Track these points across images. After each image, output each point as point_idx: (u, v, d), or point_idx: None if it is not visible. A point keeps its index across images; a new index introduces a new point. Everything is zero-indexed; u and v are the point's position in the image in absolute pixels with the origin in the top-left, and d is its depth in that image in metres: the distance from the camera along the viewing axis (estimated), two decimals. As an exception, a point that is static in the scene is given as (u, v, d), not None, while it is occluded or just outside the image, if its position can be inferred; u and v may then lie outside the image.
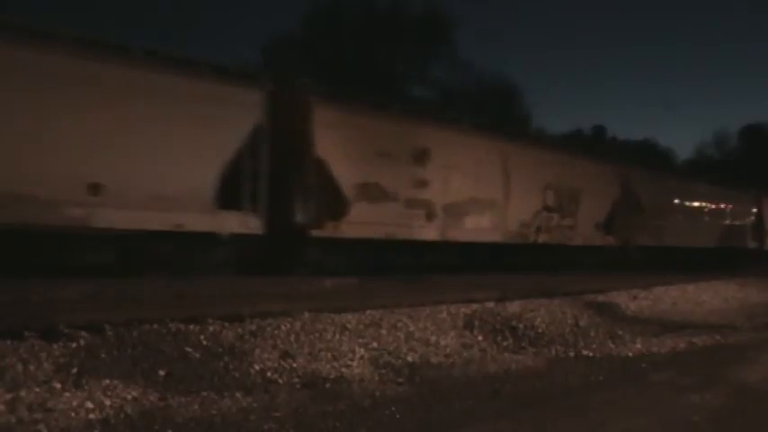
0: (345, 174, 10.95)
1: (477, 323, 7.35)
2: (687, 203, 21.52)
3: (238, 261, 9.91)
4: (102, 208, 8.41)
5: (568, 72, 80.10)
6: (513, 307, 8.26)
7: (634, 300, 10.82)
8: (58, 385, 4.10)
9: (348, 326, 6.34)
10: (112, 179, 8.48)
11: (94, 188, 8.35)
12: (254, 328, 5.77)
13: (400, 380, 5.24)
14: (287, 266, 10.39)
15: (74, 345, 4.76)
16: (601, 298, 10.28)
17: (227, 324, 5.73)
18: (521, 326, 7.58)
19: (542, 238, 15.02)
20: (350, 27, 29.69)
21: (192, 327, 5.52)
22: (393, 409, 4.35)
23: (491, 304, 8.16)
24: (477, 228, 13.35)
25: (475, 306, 7.94)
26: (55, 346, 4.67)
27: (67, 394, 4.00)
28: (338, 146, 10.84)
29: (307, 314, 6.39)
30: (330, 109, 10.85)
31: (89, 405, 3.91)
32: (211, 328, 5.58)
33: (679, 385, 5.38)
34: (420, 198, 12.20)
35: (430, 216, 12.32)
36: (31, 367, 4.31)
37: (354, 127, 11.18)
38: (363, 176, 11.22)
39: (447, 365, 5.90)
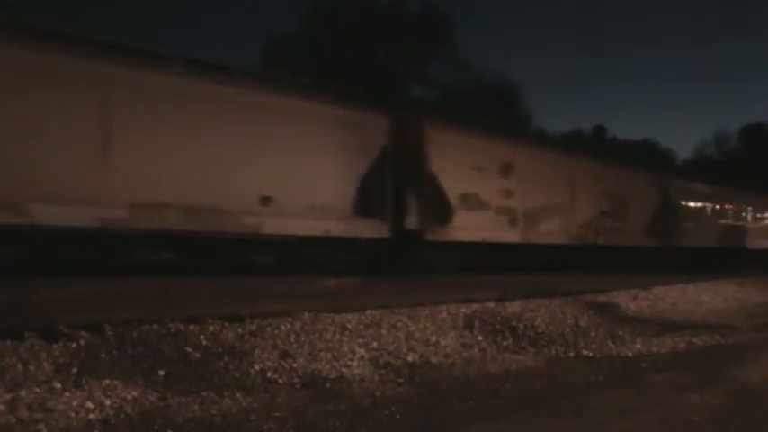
0: (451, 186, 12.73)
1: (477, 323, 7.35)
2: (713, 207, 23.23)
3: (368, 262, 11.51)
4: (271, 217, 9.99)
5: (568, 72, 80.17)
6: (513, 307, 8.26)
7: (634, 300, 10.82)
8: (58, 385, 4.10)
9: (348, 326, 6.34)
10: (279, 192, 10.09)
11: (266, 200, 9.96)
12: (254, 328, 5.77)
13: (400, 380, 5.24)
14: (405, 266, 12.00)
15: (74, 345, 4.75)
16: (601, 298, 10.29)
17: (227, 324, 5.72)
18: (521, 326, 7.58)
19: (599, 240, 16.94)
20: (350, 27, 29.68)
21: (191, 327, 5.51)
22: (393, 409, 4.35)
23: (491, 304, 8.17)
24: (549, 231, 15.17)
25: (475, 306, 7.94)
26: (55, 346, 4.67)
27: (67, 394, 4.00)
28: (446, 162, 12.63)
29: (307, 314, 6.39)
30: (439, 130, 12.69)
31: (89, 405, 3.91)
32: (211, 328, 5.58)
33: (679, 385, 5.38)
34: (506, 206, 14.00)
35: (513, 222, 14.16)
36: (31, 367, 4.31)
37: (457, 145, 12.98)
38: (464, 188, 13.02)
39: (447, 365, 5.90)
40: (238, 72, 10.15)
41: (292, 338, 5.73)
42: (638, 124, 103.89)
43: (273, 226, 9.98)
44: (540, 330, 7.64)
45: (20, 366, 4.28)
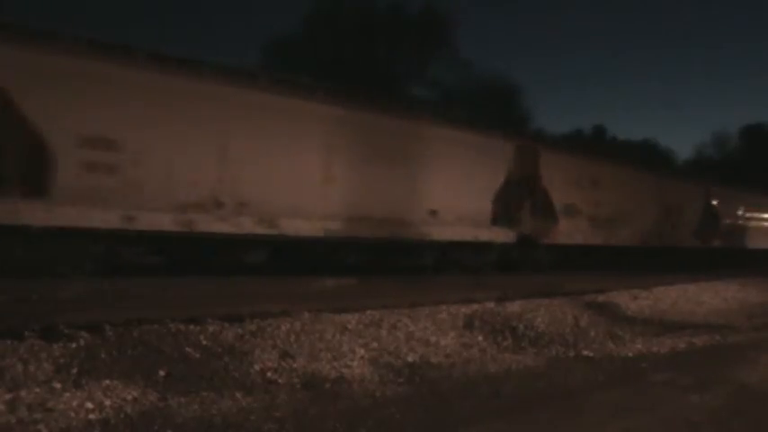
0: (557, 198, 15.27)
1: (477, 323, 7.35)
2: (747, 211, 25.40)
3: (498, 262, 13.87)
4: (436, 226, 12.31)
5: (568, 72, 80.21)
6: (513, 307, 8.26)
7: (634, 300, 10.82)
8: (58, 385, 4.11)
9: (348, 326, 6.34)
10: (442, 207, 12.44)
11: (433, 213, 12.34)
12: (254, 328, 5.78)
13: (400, 380, 5.24)
14: (524, 265, 14.33)
15: (74, 345, 4.76)
16: (601, 298, 10.29)
17: (227, 324, 5.73)
18: (521, 326, 7.58)
19: (661, 242, 19.73)
20: (350, 27, 29.68)
21: (191, 327, 5.52)
22: (393, 409, 4.35)
23: (491, 304, 8.17)
24: (625, 235, 17.86)
25: (475, 306, 7.94)
26: (55, 346, 4.68)
27: (67, 394, 4.00)
28: (554, 178, 15.19)
29: (307, 314, 6.39)
30: (549, 152, 15.38)
31: (89, 405, 3.91)
32: (211, 328, 5.59)
33: (679, 385, 5.38)
34: (594, 214, 16.55)
35: (598, 227, 16.72)
36: (31, 367, 4.31)
37: (562, 164, 15.62)
38: (566, 199, 15.57)
39: (447, 365, 5.89)
40: (427, 111, 13.70)
41: (292, 338, 5.73)
42: (638, 124, 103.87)
43: (438, 233, 12.42)
44: (540, 330, 7.64)
45: (20, 366, 4.28)
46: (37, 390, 4.00)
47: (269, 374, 4.95)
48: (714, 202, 22.64)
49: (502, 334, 7.24)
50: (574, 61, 79.48)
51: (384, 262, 12.11)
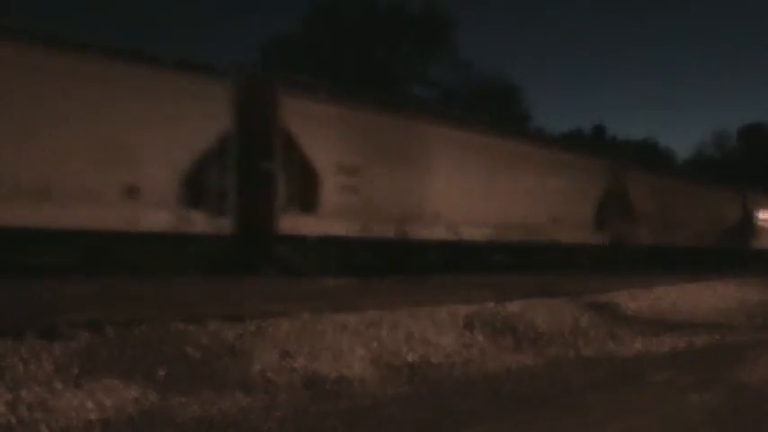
0: (640, 207, 19.10)
1: (477, 323, 7.35)
2: None
3: (592, 262, 16.90)
4: (557, 230, 15.64)
5: (568, 72, 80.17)
6: (513, 307, 8.25)
7: (634, 300, 10.81)
8: (59, 385, 4.11)
9: (348, 326, 6.33)
10: (561, 214, 15.83)
11: (555, 220, 15.53)
12: (253, 328, 5.77)
13: (400, 380, 5.24)
14: (614, 264, 17.24)
15: (74, 345, 4.76)
16: (601, 298, 10.28)
17: (227, 324, 5.73)
18: (521, 326, 7.58)
19: (711, 244, 23.33)
20: (350, 27, 29.67)
21: (191, 327, 5.52)
22: (393, 409, 4.35)
23: (491, 304, 8.16)
24: (683, 236, 21.61)
25: (475, 306, 7.93)
26: (55, 346, 4.67)
27: (68, 394, 4.00)
28: (639, 192, 19.13)
29: (307, 314, 6.39)
30: (634, 170, 19.60)
31: (89, 405, 3.91)
32: (211, 328, 5.58)
33: (679, 385, 5.38)
34: (664, 219, 20.28)
35: (667, 231, 20.31)
36: (32, 367, 4.31)
37: (642, 178, 19.75)
38: (647, 208, 19.41)
39: (447, 365, 5.90)
40: (556, 141, 19.50)
41: (292, 338, 5.72)
42: (638, 124, 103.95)
43: (561, 236, 15.72)
44: (540, 330, 7.64)
45: (20, 366, 4.28)
46: (37, 389, 4.00)
47: (269, 374, 4.95)
48: (749, 207, 25.91)
49: (502, 334, 7.23)
50: (574, 61, 79.48)
51: (525, 260, 15.14)
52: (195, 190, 9.56)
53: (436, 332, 6.77)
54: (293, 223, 10.40)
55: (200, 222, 9.56)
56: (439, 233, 12.65)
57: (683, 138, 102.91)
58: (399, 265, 11.98)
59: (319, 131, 10.78)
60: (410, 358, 5.91)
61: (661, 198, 20.04)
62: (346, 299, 7.59)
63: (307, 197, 10.60)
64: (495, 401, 4.74)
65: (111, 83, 9.00)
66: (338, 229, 10.95)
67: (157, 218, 9.18)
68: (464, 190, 13.37)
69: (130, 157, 8.97)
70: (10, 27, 8.58)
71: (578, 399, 4.89)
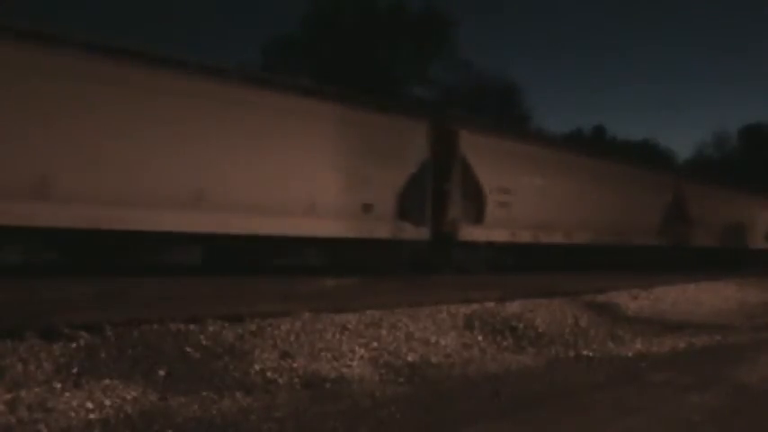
0: (693, 213, 21.89)
1: (477, 323, 7.35)
2: None
3: (663, 261, 19.70)
4: (635, 236, 19.00)
5: (568, 72, 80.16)
6: (513, 307, 8.26)
7: (634, 300, 10.82)
8: (58, 385, 4.11)
9: (348, 326, 6.34)
10: (638, 221, 19.22)
11: (632, 226, 18.96)
12: (254, 328, 5.77)
13: (400, 380, 5.24)
14: (671, 263, 19.70)
15: (74, 345, 4.76)
16: (601, 298, 10.28)
17: (227, 324, 5.72)
18: (521, 326, 7.58)
19: (744, 245, 26.05)
20: (350, 27, 29.66)
21: (191, 327, 5.51)
22: (393, 409, 4.35)
23: (491, 304, 8.16)
24: (726, 238, 24.29)
25: (475, 306, 7.93)
26: (55, 346, 4.67)
27: (67, 394, 4.00)
28: (695, 204, 22.02)
29: (307, 314, 6.39)
30: (689, 182, 22.96)
31: (89, 405, 3.91)
32: (211, 328, 5.58)
33: (679, 385, 5.38)
34: (710, 224, 22.95)
35: (712, 233, 23.15)
36: (31, 367, 4.31)
37: (696, 188, 22.78)
38: (696, 214, 22.04)
39: (447, 365, 5.90)
40: (628, 159, 21.54)
41: (292, 338, 5.73)
42: (638, 124, 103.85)
43: (637, 240, 19.19)
44: (540, 330, 7.64)
45: (20, 366, 4.28)
46: (37, 390, 4.00)
47: (269, 374, 4.95)
48: None
49: (502, 334, 7.24)
50: (574, 61, 79.45)
51: (619, 258, 18.05)
52: (405, 205, 12.51)
53: (436, 332, 6.78)
54: (469, 232, 13.62)
55: (408, 231, 12.59)
56: (557, 237, 16.02)
57: (683, 138, 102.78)
58: (535, 263, 15.50)
59: (484, 159, 13.83)
60: (410, 358, 5.91)
61: (707, 205, 22.84)
62: (346, 299, 7.58)
63: (477, 211, 13.81)
64: (495, 401, 4.73)
65: (357, 126, 11.85)
66: (496, 236, 14.18)
67: (385, 228, 12.20)
68: (573, 202, 16.26)
69: (366, 182, 11.80)
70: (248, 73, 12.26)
71: (578, 399, 4.89)
